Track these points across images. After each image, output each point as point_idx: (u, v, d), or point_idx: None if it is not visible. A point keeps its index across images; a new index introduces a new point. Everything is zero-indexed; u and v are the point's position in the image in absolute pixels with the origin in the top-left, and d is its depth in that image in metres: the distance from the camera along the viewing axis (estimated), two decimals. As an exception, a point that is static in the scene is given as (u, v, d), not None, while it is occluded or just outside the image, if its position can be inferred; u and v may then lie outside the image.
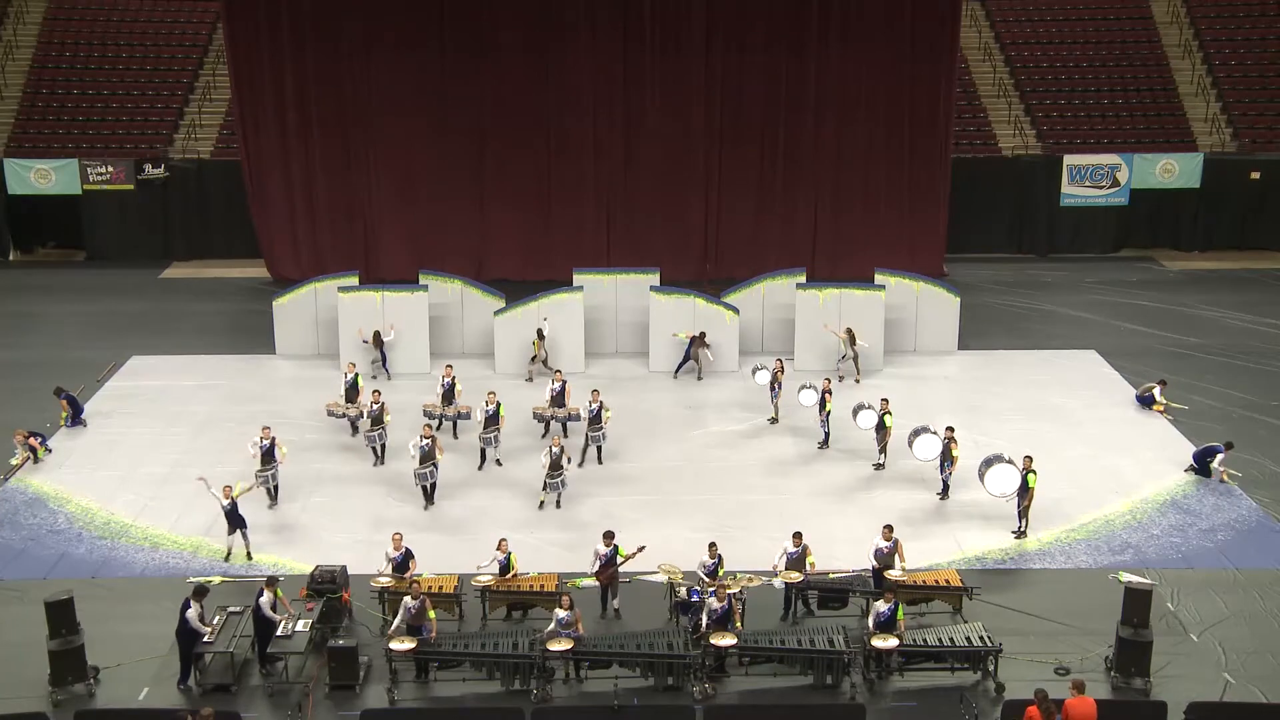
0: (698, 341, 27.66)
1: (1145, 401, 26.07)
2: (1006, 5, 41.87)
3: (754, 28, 33.73)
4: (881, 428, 23.13)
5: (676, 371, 27.93)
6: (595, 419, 23.29)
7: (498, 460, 23.41)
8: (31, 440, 23.69)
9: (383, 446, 23.54)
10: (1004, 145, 38.57)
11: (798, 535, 18.56)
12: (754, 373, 26.07)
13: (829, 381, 24.47)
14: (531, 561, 19.19)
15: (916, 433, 22.62)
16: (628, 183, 34.75)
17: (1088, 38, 40.84)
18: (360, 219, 35.01)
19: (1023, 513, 20.83)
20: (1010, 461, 20.93)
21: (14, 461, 23.47)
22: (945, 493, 22.18)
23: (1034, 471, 20.61)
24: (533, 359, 27.80)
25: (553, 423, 24.42)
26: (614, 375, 27.93)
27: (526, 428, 24.63)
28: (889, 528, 18.72)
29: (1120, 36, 40.85)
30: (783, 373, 25.32)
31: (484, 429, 23.28)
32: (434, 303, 28.58)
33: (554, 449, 21.53)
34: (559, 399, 24.34)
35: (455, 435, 24.57)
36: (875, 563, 18.53)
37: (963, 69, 37.79)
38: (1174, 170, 37.84)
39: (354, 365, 25.31)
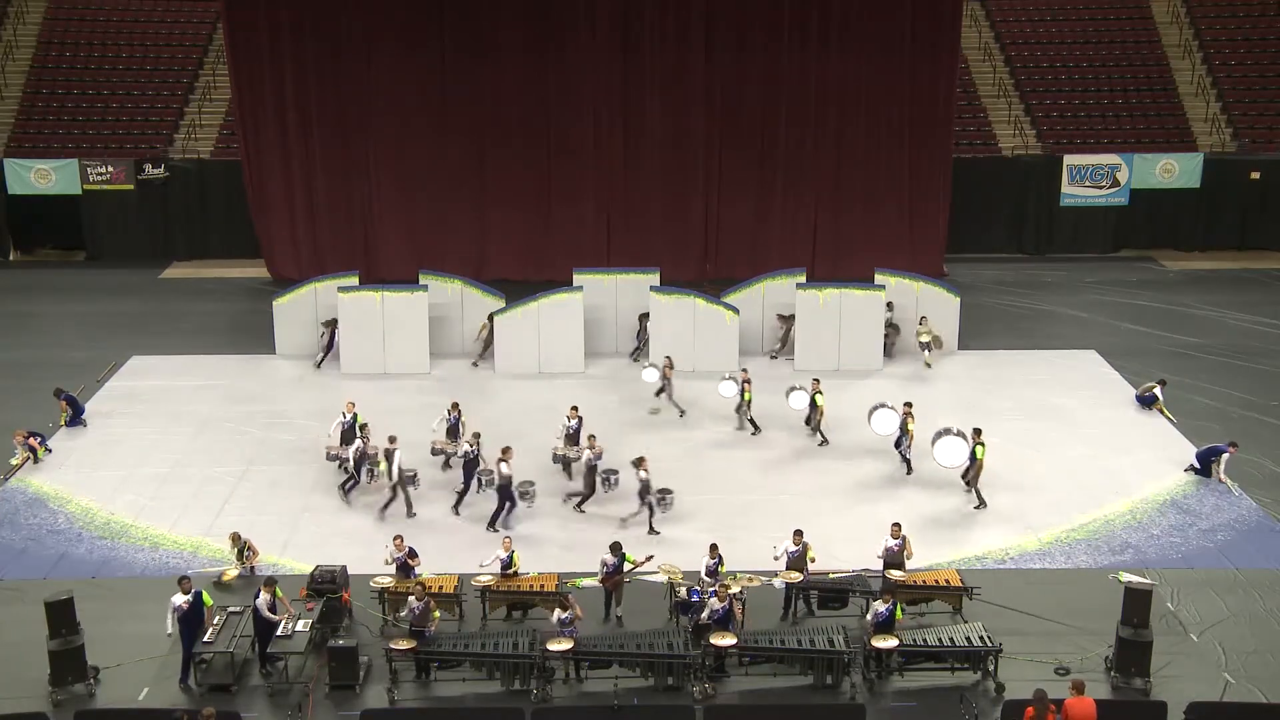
0: (785, 321, 28.28)
1: (1145, 401, 26.07)
2: (1006, 5, 41.87)
3: (754, 28, 33.76)
4: (813, 407, 24.07)
5: (634, 353, 28.35)
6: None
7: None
8: (31, 440, 23.69)
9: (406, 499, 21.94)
10: (1004, 145, 38.57)
11: (798, 533, 18.57)
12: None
13: (746, 373, 25.09)
14: (532, 562, 19.18)
15: (874, 409, 23.19)
16: (628, 183, 34.75)
17: (1088, 38, 40.84)
18: (360, 219, 35.01)
19: (970, 483, 21.71)
20: (960, 434, 21.70)
21: (14, 461, 23.47)
22: (908, 467, 22.90)
23: (982, 444, 21.49)
24: (479, 339, 28.31)
25: (574, 464, 22.58)
26: (614, 375, 27.92)
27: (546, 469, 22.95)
28: (897, 525, 18.73)
29: (1120, 36, 40.85)
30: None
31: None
32: (434, 303, 28.57)
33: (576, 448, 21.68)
34: (574, 437, 22.75)
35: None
36: (884, 561, 18.51)
37: (963, 69, 37.77)
38: (1174, 170, 37.84)
39: (354, 405, 23.33)
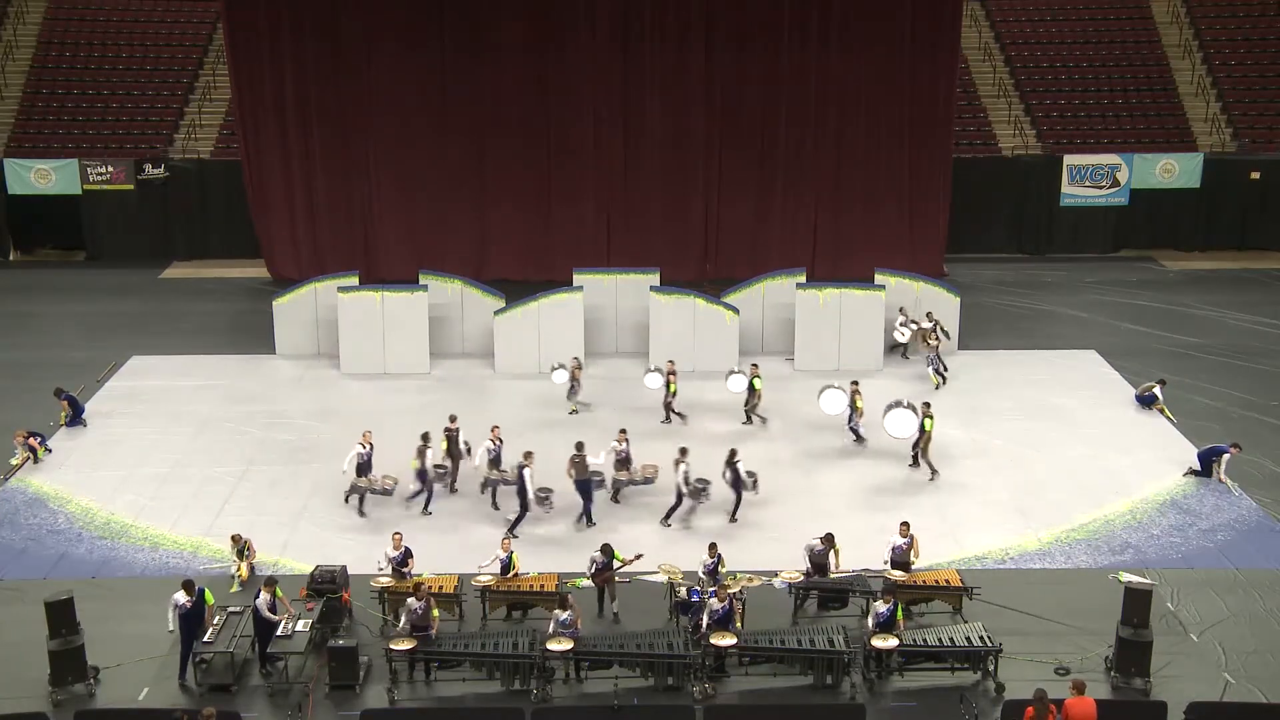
0: (924, 330, 27.75)
1: (1145, 401, 26.07)
2: (1006, 5, 41.88)
3: (754, 27, 33.76)
4: (751, 390, 24.87)
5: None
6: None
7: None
8: (31, 440, 23.69)
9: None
10: (1004, 145, 38.57)
11: (829, 536, 18.64)
12: (551, 369, 25.87)
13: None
14: (532, 562, 19.18)
15: (822, 390, 24.32)
16: (628, 183, 34.75)
17: (1088, 38, 40.85)
18: (360, 219, 35.01)
19: (920, 454, 22.80)
20: (910, 407, 22.69)
21: (14, 461, 23.47)
22: (859, 439, 24.03)
23: (930, 416, 22.59)
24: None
25: (626, 487, 22.05)
26: (614, 375, 27.91)
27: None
28: (905, 524, 18.73)
29: (1120, 36, 40.86)
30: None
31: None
32: (434, 303, 28.58)
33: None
34: (625, 461, 21.93)
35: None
36: (893, 560, 18.52)
37: (963, 69, 37.78)
38: (1174, 170, 37.84)
39: (370, 435, 22.17)
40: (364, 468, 21.61)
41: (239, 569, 19.27)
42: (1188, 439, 24.29)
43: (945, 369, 27.46)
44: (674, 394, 25.26)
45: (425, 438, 21.70)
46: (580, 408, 25.97)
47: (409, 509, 21.51)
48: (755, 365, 25.56)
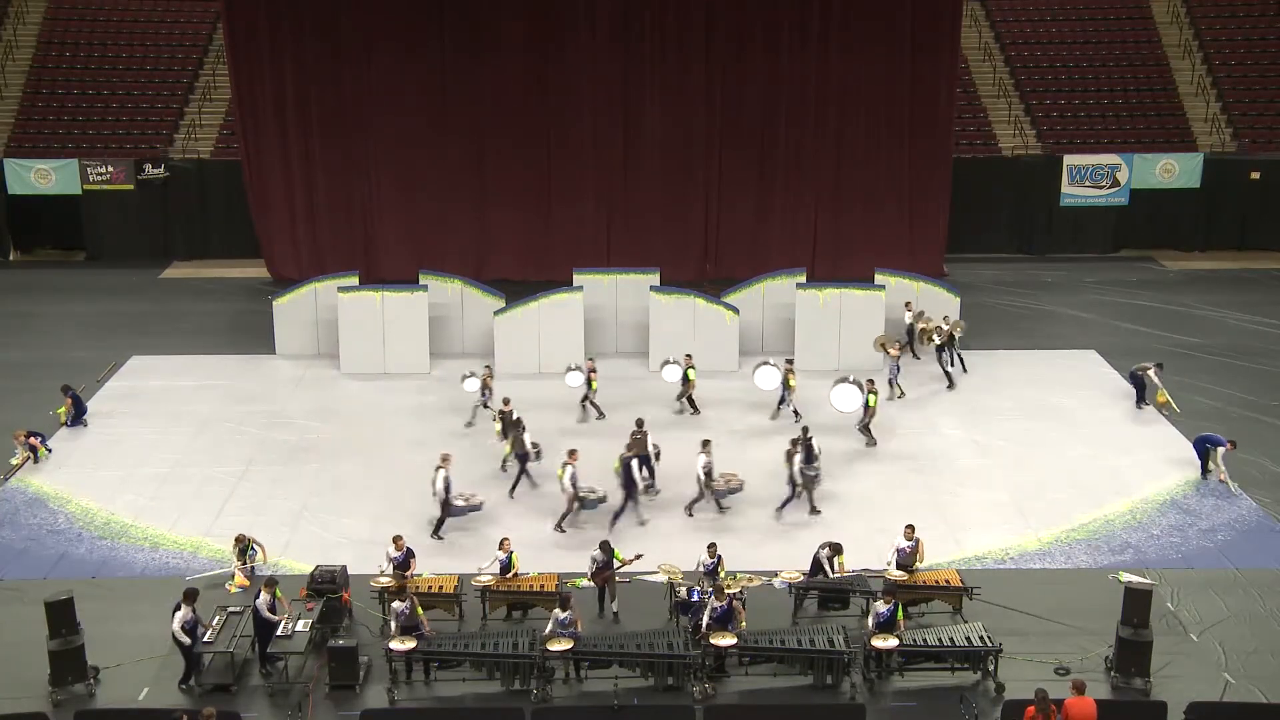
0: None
1: (1136, 381, 25.94)
2: (1006, 5, 41.89)
3: (754, 28, 33.75)
4: (685, 380, 25.47)
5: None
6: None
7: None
8: (32, 440, 23.68)
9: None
10: (1004, 145, 38.57)
11: (837, 545, 18.70)
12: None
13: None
14: (532, 561, 19.18)
15: (757, 366, 25.42)
16: (628, 182, 34.74)
17: (1088, 38, 40.85)
18: (360, 219, 35.01)
19: (864, 429, 23.98)
20: (855, 383, 24.00)
21: (14, 461, 23.47)
22: (797, 416, 24.78)
23: (874, 393, 23.97)
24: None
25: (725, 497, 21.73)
26: (614, 375, 27.89)
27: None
28: (911, 527, 18.71)
29: (1120, 36, 40.87)
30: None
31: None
32: (434, 303, 28.58)
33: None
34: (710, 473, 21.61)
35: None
36: (897, 562, 18.51)
37: (963, 69, 37.79)
38: (1174, 170, 37.84)
39: (449, 458, 21.10)
40: (448, 490, 20.72)
41: (235, 577, 19.23)
42: (1187, 439, 24.23)
43: (897, 386, 26.90)
44: (594, 390, 25.37)
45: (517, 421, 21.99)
46: (476, 421, 25.05)
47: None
48: (689, 356, 25.88)
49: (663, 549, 19.58)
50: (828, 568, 18.55)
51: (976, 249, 37.70)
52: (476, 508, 21.03)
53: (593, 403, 25.74)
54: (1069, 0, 41.59)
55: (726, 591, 16.98)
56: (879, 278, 29.32)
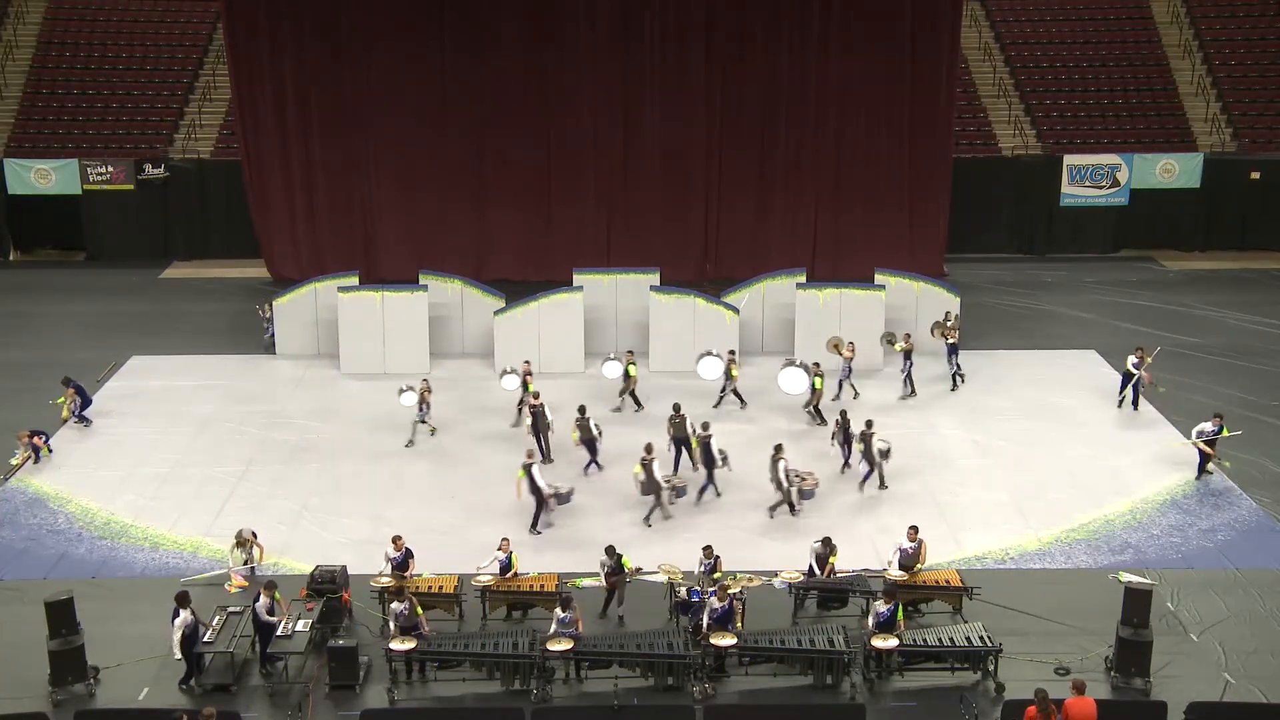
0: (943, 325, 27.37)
1: (1126, 378, 25.90)
2: (1006, 5, 41.88)
3: (754, 27, 33.73)
4: (626, 376, 25.77)
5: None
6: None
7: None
8: (35, 439, 23.66)
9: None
10: (1004, 145, 38.57)
11: (833, 546, 18.69)
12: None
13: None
14: (531, 562, 19.18)
15: (700, 356, 26.04)
16: (628, 182, 34.73)
17: (1088, 38, 40.85)
18: (360, 219, 35.00)
19: (815, 410, 25.09)
20: (803, 366, 25.10)
21: (14, 461, 23.46)
22: (742, 403, 25.97)
23: (820, 376, 25.02)
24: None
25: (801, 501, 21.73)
26: (614, 375, 27.87)
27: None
28: (914, 528, 18.71)
29: (1120, 36, 40.86)
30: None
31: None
32: (434, 303, 28.58)
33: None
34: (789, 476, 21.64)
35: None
36: (900, 564, 18.50)
37: (963, 69, 37.78)
38: (1174, 170, 37.84)
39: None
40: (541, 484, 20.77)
41: (232, 579, 19.20)
42: (1186, 438, 24.18)
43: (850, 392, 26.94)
44: (532, 391, 24.84)
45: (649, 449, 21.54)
46: (418, 438, 24.47)
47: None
48: (630, 352, 26.24)
49: (663, 549, 19.60)
50: (815, 565, 18.53)
51: (976, 249, 37.70)
52: (567, 497, 21.26)
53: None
54: (1069, 0, 41.58)
55: (728, 592, 16.99)
56: (879, 278, 29.31)
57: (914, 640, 16.79)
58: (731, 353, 26.53)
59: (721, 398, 26.21)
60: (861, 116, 34.40)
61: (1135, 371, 25.72)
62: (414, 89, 34.01)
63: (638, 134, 34.38)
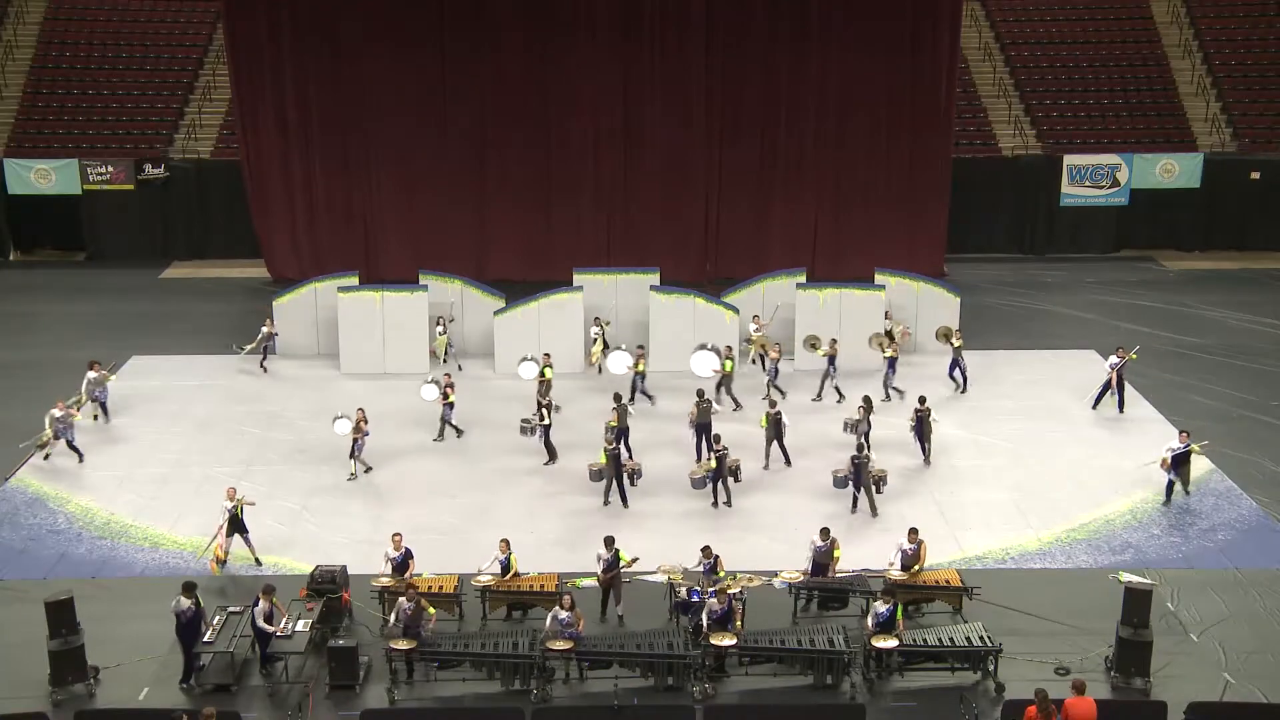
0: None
1: (1105, 387, 25.92)
2: (1006, 5, 41.88)
3: (754, 27, 33.73)
4: (542, 377, 25.63)
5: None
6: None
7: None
8: (72, 412, 23.70)
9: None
10: (1004, 145, 38.57)
11: (825, 531, 18.65)
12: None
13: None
14: (531, 561, 19.18)
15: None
16: (628, 182, 34.74)
17: (1088, 38, 40.84)
18: (360, 219, 35.00)
19: (725, 390, 25.74)
20: (714, 349, 26.02)
21: (41, 440, 23.33)
22: (650, 399, 26.26)
23: (731, 359, 25.83)
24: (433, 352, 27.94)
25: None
26: (615, 375, 27.85)
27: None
28: (914, 530, 18.69)
29: (1120, 36, 40.86)
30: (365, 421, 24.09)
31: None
32: (434, 302, 28.57)
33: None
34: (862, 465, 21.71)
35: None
36: (900, 565, 18.47)
37: (963, 69, 37.78)
38: (1174, 170, 37.84)
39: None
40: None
41: (214, 553, 19.26)
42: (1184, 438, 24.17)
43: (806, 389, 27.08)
44: (451, 405, 24.67)
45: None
46: (356, 475, 23.10)
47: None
48: (547, 354, 26.06)
49: (663, 550, 19.58)
50: (814, 560, 18.44)
51: (976, 249, 37.70)
52: (635, 474, 22.01)
53: (449, 421, 24.94)
54: (1069, 0, 41.59)
55: (727, 592, 16.98)
56: (879, 278, 29.31)
57: (914, 640, 16.79)
58: (640, 347, 26.83)
59: (634, 396, 26.19)
60: (861, 116, 34.39)
61: (1109, 373, 25.70)
62: (414, 89, 34.01)
63: (638, 134, 34.39)
